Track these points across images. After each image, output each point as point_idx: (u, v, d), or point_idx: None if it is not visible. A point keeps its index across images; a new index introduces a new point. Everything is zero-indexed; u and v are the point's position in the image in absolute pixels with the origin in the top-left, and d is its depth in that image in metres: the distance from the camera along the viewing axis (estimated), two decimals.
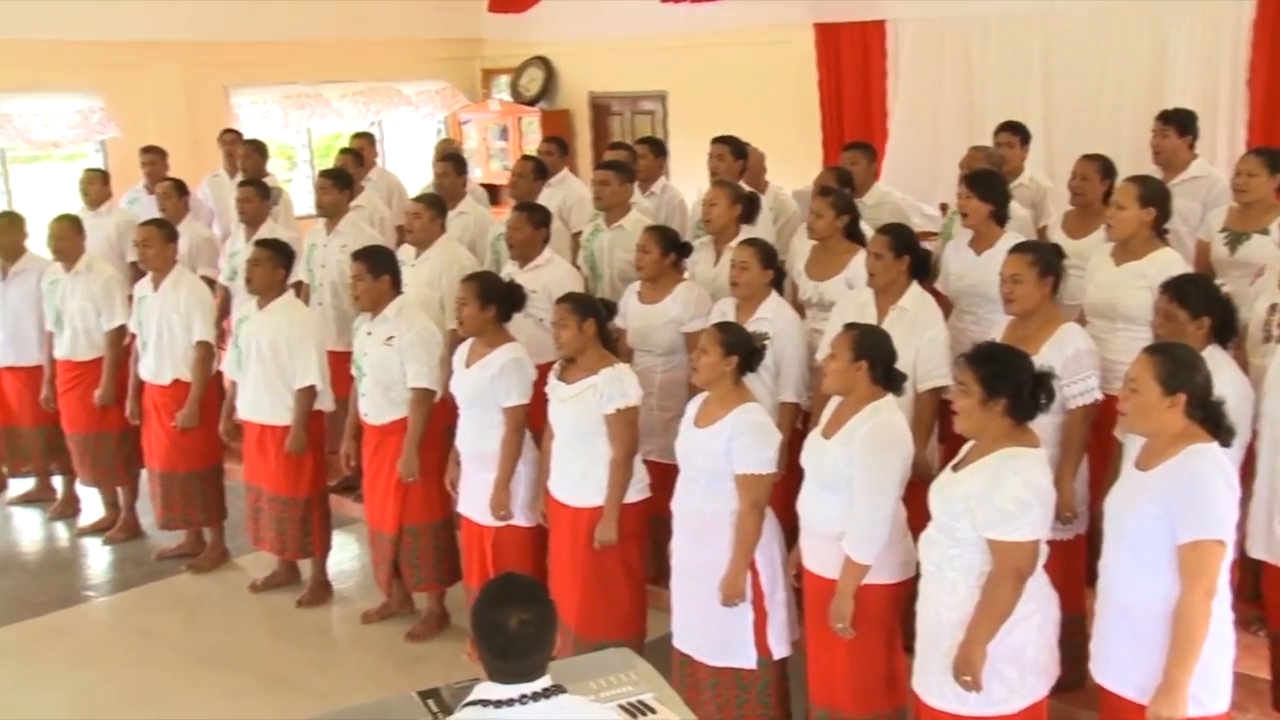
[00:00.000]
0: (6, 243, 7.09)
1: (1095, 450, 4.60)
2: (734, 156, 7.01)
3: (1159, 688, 3.34)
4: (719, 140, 7.11)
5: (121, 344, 6.78)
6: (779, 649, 4.44)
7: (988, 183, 5.51)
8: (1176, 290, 4.18)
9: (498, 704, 2.55)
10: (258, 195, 7.34)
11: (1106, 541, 3.58)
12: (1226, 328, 4.15)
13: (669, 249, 5.57)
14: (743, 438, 4.26)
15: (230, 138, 9.16)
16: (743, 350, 4.35)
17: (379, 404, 5.55)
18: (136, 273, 7.27)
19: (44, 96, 9.58)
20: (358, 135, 9.40)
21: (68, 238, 6.81)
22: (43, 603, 6.31)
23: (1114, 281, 4.97)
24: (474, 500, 5.24)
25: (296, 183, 11.42)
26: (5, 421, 7.38)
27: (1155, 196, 4.98)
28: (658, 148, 8.06)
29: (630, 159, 7.49)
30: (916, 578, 3.87)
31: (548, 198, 7.28)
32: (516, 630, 2.54)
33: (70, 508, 7.49)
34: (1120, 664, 3.54)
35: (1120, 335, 4.88)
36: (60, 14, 9.21)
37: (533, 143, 10.63)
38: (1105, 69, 8.54)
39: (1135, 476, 3.49)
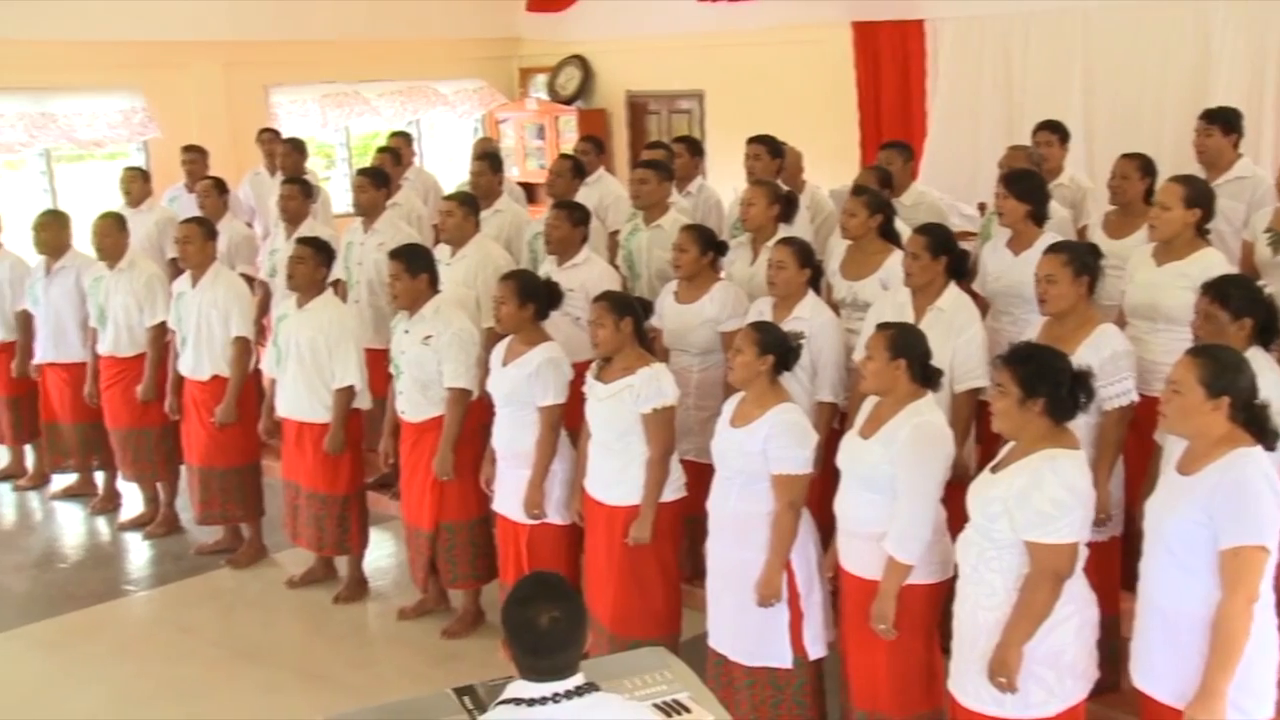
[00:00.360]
0: (50, 240, 7.17)
1: (1135, 452, 4.56)
2: (770, 156, 6.99)
3: (1197, 693, 3.31)
4: (755, 140, 7.09)
5: (164, 340, 6.83)
6: (815, 649, 4.43)
7: (1025, 182, 5.46)
8: (1218, 291, 4.13)
9: (530, 702, 2.55)
10: (300, 193, 7.38)
11: (1146, 545, 3.54)
12: (1269, 329, 4.09)
13: (707, 248, 5.56)
14: (779, 438, 4.25)
15: (268, 137, 9.23)
16: (778, 350, 4.33)
17: (416, 402, 5.58)
18: (176, 270, 7.34)
19: (87, 96, 9.68)
20: (396, 134, 9.44)
21: (111, 235, 6.87)
22: (84, 596, 6.38)
23: (1156, 282, 4.92)
24: (509, 498, 5.25)
25: (334, 181, 11.48)
26: (46, 417, 7.46)
27: (1200, 197, 4.92)
28: (694, 147, 8.05)
29: (668, 158, 7.48)
30: (955, 578, 3.84)
31: (584, 197, 7.27)
32: (547, 628, 2.54)
33: (111, 503, 7.57)
34: (1159, 669, 3.50)
35: (1161, 336, 4.83)
36: (103, 15, 9.30)
37: (569, 142, 10.63)
38: (1147, 68, 8.44)
39: (1177, 481, 3.45)
